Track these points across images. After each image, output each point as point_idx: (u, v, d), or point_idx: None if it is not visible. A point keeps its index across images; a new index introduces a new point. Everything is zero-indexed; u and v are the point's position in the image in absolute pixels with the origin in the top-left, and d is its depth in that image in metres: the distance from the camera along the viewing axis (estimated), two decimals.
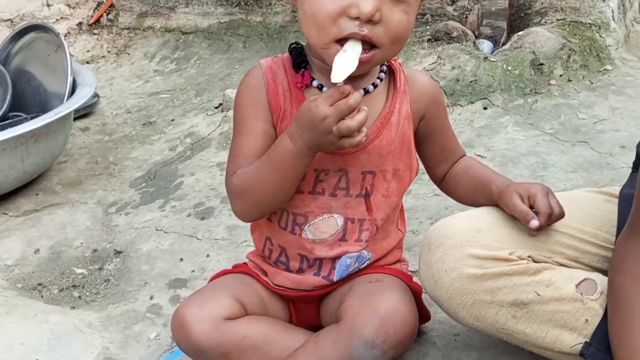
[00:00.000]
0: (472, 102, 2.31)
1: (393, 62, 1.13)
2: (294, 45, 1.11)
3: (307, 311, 1.22)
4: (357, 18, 0.93)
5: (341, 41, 0.96)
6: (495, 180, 1.12)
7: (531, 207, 1.04)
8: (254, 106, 1.09)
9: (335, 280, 1.15)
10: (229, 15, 3.30)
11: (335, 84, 0.94)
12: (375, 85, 1.09)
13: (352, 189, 1.10)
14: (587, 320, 0.97)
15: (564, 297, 0.99)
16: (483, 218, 1.08)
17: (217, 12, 3.34)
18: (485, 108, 2.28)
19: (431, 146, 1.18)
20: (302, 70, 1.08)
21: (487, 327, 1.04)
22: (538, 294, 0.99)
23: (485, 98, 2.31)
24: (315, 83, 1.07)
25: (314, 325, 1.21)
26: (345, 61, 0.94)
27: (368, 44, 0.96)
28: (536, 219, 1.02)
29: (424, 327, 1.28)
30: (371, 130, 1.08)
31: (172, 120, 2.64)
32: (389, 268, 1.19)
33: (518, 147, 2.04)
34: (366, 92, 1.08)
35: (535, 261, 1.03)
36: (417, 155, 1.18)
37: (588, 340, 0.97)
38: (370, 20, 0.93)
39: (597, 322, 0.97)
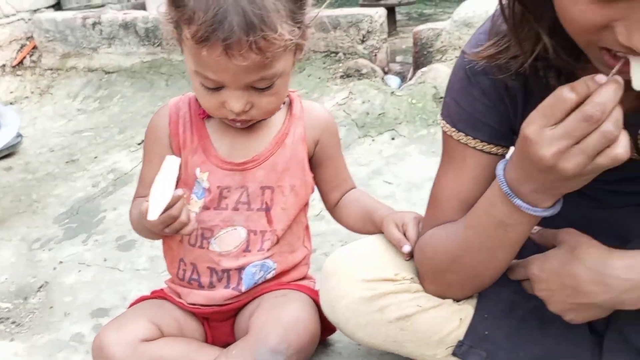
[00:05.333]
0: (381, 133, 2.49)
1: (291, 93, 1.28)
2: None
3: (222, 329, 1.31)
4: None
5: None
6: (379, 210, 1.26)
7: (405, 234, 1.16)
8: (155, 141, 1.26)
9: (244, 290, 1.25)
10: (152, 54, 3.40)
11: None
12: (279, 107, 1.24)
13: (253, 203, 1.23)
14: (461, 319, 1.10)
15: (442, 304, 1.10)
16: (371, 245, 1.18)
17: (139, 52, 3.43)
18: (393, 138, 2.46)
19: (325, 172, 1.32)
20: None
21: (381, 342, 1.12)
22: (419, 306, 1.09)
23: (393, 129, 2.49)
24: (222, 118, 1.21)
25: (229, 343, 1.29)
26: (160, 194, 1.09)
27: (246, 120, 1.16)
28: (408, 244, 1.12)
29: (330, 339, 1.40)
30: (267, 149, 1.23)
31: (95, 157, 2.70)
32: (296, 284, 1.30)
33: (422, 173, 2.21)
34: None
35: (417, 282, 1.13)
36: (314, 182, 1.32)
37: (461, 339, 1.09)
38: (244, 111, 1.12)
39: (469, 320, 1.09)
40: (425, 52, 2.84)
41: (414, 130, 2.49)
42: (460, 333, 1.09)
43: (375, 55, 2.96)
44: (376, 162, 2.32)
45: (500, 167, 0.91)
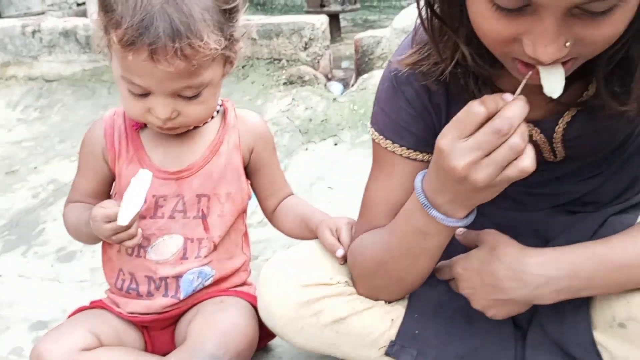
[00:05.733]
0: (324, 139, 2.53)
1: (225, 102, 1.30)
2: None
3: (162, 338, 1.32)
4: None
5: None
6: (315, 216, 1.29)
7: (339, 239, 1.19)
8: (90, 153, 1.27)
9: (182, 297, 1.26)
10: (93, 62, 3.36)
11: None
12: (205, 122, 1.26)
13: (189, 211, 1.25)
14: (392, 319, 1.14)
15: (374, 305, 1.14)
16: (307, 251, 1.20)
17: (80, 60, 3.39)
18: (335, 144, 2.50)
19: (261, 179, 1.35)
20: None
21: (318, 346, 1.15)
22: (353, 308, 1.12)
23: (335, 135, 2.54)
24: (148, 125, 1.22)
25: (169, 352, 1.29)
26: (132, 200, 1.13)
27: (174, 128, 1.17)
28: (341, 249, 1.15)
29: (271, 344, 1.42)
30: (201, 158, 1.24)
31: (35, 167, 2.66)
32: (235, 290, 1.32)
33: (364, 178, 2.23)
34: (196, 126, 1.24)
35: (351, 285, 1.16)
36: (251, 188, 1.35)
37: (393, 339, 1.12)
38: (170, 119, 1.13)
39: (400, 320, 1.13)
40: (366, 59, 2.90)
41: (356, 135, 2.53)
42: (392, 333, 1.13)
43: (318, 62, 3.01)
44: (319, 168, 2.36)
45: (418, 178, 0.95)
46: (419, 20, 0.93)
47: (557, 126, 1.00)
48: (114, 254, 1.29)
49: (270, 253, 1.85)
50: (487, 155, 0.81)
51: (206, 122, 1.26)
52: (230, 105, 1.31)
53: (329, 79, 3.02)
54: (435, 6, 0.88)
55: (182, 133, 1.23)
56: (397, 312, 1.14)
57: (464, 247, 1.10)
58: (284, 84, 2.85)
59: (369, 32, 2.96)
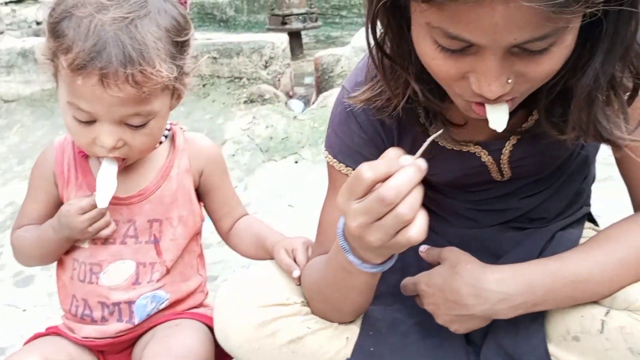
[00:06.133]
0: (285, 157, 2.55)
1: (174, 126, 1.31)
2: None
3: None
4: None
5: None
6: (271, 237, 1.30)
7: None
8: (40, 178, 1.27)
9: (137, 322, 1.26)
10: (52, 82, 3.30)
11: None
12: (154, 147, 1.25)
13: (141, 236, 1.25)
14: (347, 338, 1.16)
15: (330, 325, 1.15)
16: (263, 272, 1.21)
17: (39, 80, 3.36)
18: (296, 162, 2.52)
19: (213, 201, 1.35)
20: None
21: None
22: (309, 328, 1.13)
23: (296, 153, 2.56)
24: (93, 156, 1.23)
25: None
26: (106, 182, 1.14)
27: (121, 159, 1.16)
28: (297, 269, 1.15)
29: None
30: (152, 183, 1.25)
31: None
32: (191, 313, 1.32)
33: (322, 196, 2.28)
34: None
35: (307, 305, 1.17)
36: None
37: (349, 357, 1.13)
38: (115, 147, 1.12)
39: (355, 338, 1.15)
40: (326, 77, 2.93)
41: (317, 153, 2.56)
42: (347, 351, 1.14)
43: (279, 80, 3.03)
44: (280, 186, 2.37)
45: (341, 221, 0.95)
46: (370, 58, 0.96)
47: (504, 148, 1.05)
48: (67, 280, 1.28)
49: (229, 273, 1.85)
50: (379, 219, 0.81)
51: (155, 148, 1.26)
52: (178, 129, 1.32)
53: (290, 97, 3.04)
54: (386, 46, 0.91)
55: None
56: (352, 330, 1.16)
57: (418, 262, 1.13)
58: (245, 102, 2.87)
59: (329, 51, 3.00)
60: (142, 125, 1.12)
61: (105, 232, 1.20)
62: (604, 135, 0.87)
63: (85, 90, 1.05)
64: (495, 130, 1.00)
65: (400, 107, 0.96)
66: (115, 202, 1.22)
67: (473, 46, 0.76)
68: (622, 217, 1.04)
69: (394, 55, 0.91)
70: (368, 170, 0.81)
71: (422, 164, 0.81)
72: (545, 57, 0.77)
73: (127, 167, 1.23)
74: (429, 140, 0.85)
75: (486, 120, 0.86)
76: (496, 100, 0.82)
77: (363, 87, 1.03)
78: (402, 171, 0.80)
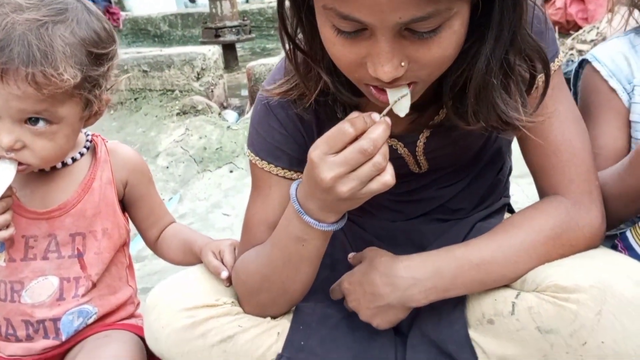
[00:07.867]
0: (220, 167, 2.55)
1: (95, 137, 1.29)
2: None
3: None
4: None
5: None
6: (198, 241, 1.30)
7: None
8: None
9: (64, 338, 1.23)
10: None
11: None
12: (74, 159, 1.24)
13: (63, 250, 1.22)
14: (278, 333, 1.16)
15: (261, 322, 1.16)
16: (192, 275, 1.21)
17: None
18: (231, 171, 2.53)
19: (139, 211, 1.34)
20: None
21: None
22: (240, 326, 1.14)
23: (231, 162, 2.56)
24: None
25: None
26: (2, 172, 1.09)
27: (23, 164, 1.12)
28: (226, 270, 1.17)
29: None
30: (73, 196, 1.22)
31: None
32: (120, 324, 1.30)
33: None
34: (64, 164, 1.22)
35: (238, 305, 1.17)
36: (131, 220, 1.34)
37: (280, 352, 1.14)
38: (13, 148, 1.09)
39: (286, 333, 1.15)
40: (259, 87, 2.94)
41: None
42: (279, 346, 1.15)
43: (212, 91, 3.03)
44: (215, 196, 2.37)
45: (293, 186, 1.00)
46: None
47: (419, 141, 1.10)
48: None
49: None
50: (353, 170, 0.88)
51: (75, 159, 1.24)
52: (100, 141, 1.30)
53: (224, 108, 3.05)
54: (300, 41, 0.95)
55: (50, 172, 1.21)
56: (283, 325, 1.17)
57: (346, 258, 1.16)
58: (178, 114, 2.86)
59: (261, 61, 3.03)
60: (44, 129, 1.09)
61: (4, 235, 1.12)
62: (503, 118, 0.92)
63: None
64: (410, 124, 1.05)
65: (312, 99, 0.99)
66: (34, 216, 1.19)
67: (367, 30, 0.80)
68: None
69: (307, 49, 0.95)
70: (350, 126, 0.88)
71: (389, 120, 0.89)
72: (435, 42, 0.81)
73: (46, 180, 1.21)
74: (392, 104, 0.89)
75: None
76: (393, 84, 0.86)
77: (279, 81, 1.06)
78: (377, 125, 0.88)
